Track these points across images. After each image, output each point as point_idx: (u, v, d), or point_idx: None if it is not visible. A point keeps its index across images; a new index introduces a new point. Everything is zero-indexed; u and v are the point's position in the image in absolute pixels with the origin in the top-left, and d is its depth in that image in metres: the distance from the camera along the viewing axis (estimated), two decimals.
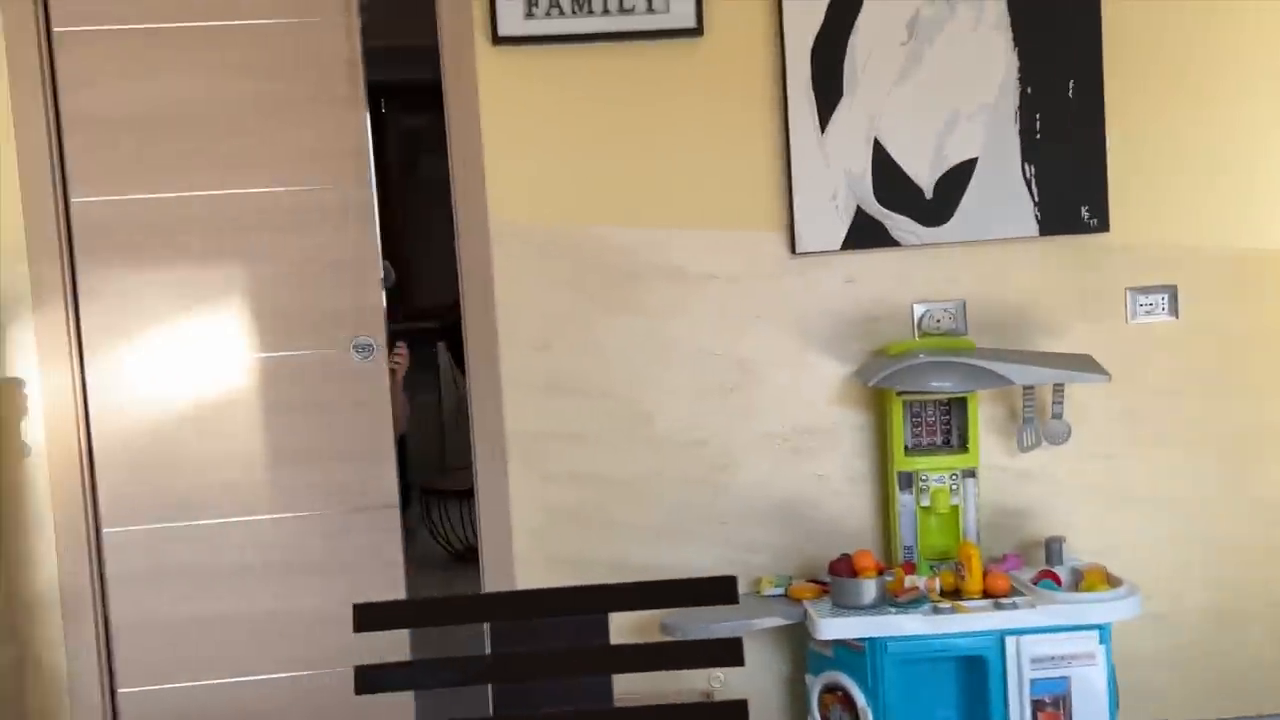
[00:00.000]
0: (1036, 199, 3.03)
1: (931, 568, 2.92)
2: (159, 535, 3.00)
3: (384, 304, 3.07)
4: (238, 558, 3.02)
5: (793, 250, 3.02)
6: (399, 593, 3.06)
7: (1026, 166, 3.03)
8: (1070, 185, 3.03)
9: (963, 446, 2.98)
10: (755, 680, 3.02)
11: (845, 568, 2.80)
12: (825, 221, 3.00)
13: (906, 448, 2.98)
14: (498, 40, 2.92)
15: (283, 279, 3.02)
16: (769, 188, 3.02)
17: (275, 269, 3.01)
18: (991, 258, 3.07)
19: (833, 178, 3.00)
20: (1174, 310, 3.11)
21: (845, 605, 2.75)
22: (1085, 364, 2.90)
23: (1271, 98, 3.09)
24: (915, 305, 3.07)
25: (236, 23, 2.97)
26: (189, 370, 3.00)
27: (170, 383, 3.00)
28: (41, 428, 2.91)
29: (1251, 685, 3.15)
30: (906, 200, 3.02)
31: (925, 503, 2.96)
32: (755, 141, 3.01)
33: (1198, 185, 3.10)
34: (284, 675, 3.03)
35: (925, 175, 3.02)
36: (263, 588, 3.03)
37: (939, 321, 3.07)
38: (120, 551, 2.99)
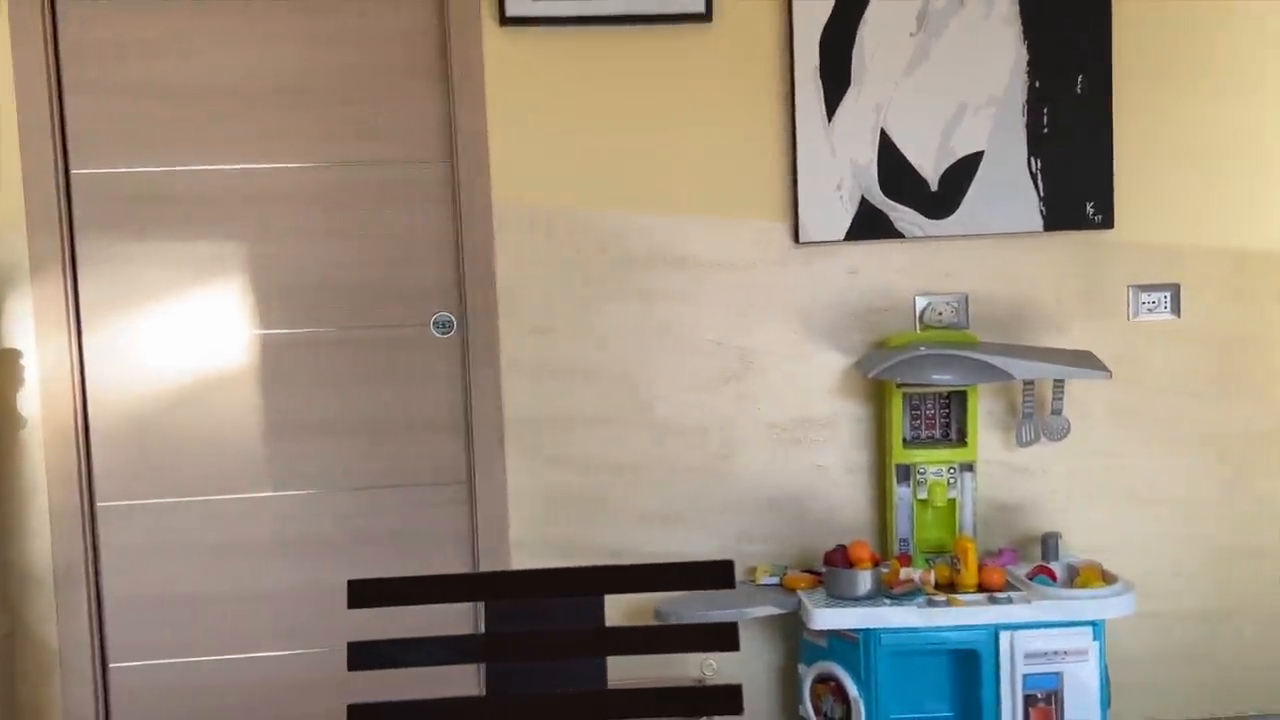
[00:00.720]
0: (1042, 194, 3.03)
1: (927, 561, 2.92)
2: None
3: (464, 280, 3.03)
4: (310, 529, 3.02)
5: (796, 240, 3.01)
6: (467, 566, 3.05)
7: (1033, 161, 3.02)
8: (1076, 181, 3.02)
9: (961, 440, 2.98)
10: (748, 669, 3.02)
11: (841, 558, 2.80)
12: (830, 212, 3.00)
13: (905, 440, 2.97)
14: (505, 21, 2.90)
15: (366, 255, 2.99)
16: (774, 176, 3.01)
17: (357, 246, 2.98)
18: (995, 252, 3.06)
19: (838, 168, 2.99)
20: (1176, 309, 3.10)
21: (840, 596, 2.75)
22: (1086, 360, 2.90)
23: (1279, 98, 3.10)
24: (917, 298, 3.07)
25: None
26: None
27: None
28: (37, 399, 2.90)
29: (1243, 685, 3.15)
30: (911, 192, 3.01)
31: (922, 495, 2.96)
32: (761, 129, 3.00)
33: (1203, 184, 3.09)
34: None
35: (931, 167, 3.01)
36: (333, 560, 3.02)
37: (941, 314, 3.07)
38: (175, 521, 3.00)
